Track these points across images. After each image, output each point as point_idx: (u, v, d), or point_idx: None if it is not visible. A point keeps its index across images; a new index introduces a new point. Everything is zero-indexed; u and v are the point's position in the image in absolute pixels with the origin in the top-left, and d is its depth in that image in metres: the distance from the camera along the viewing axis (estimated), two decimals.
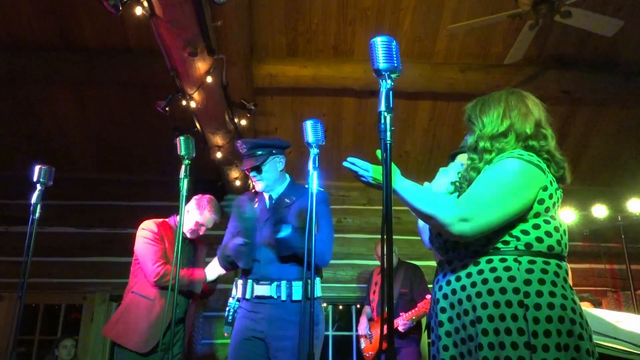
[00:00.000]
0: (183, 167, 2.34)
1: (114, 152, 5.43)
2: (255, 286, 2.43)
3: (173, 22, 2.71)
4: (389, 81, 1.37)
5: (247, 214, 2.59)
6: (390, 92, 1.37)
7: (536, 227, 1.48)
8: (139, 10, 2.65)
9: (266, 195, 2.64)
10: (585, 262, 5.48)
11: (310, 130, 2.08)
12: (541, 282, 1.42)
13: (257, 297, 2.43)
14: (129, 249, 3.22)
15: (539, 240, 1.47)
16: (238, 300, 2.53)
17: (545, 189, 1.51)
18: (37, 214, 2.60)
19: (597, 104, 5.16)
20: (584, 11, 3.58)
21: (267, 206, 2.60)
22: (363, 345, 4.42)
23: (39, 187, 2.64)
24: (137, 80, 4.58)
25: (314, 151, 2.07)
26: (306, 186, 2.21)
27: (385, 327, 1.23)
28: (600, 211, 5.27)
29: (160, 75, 3.55)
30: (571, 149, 5.44)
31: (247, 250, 2.46)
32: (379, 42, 1.38)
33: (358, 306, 5.43)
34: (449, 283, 1.54)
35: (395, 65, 1.37)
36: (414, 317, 4.06)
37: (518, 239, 1.47)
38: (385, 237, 1.25)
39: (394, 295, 4.13)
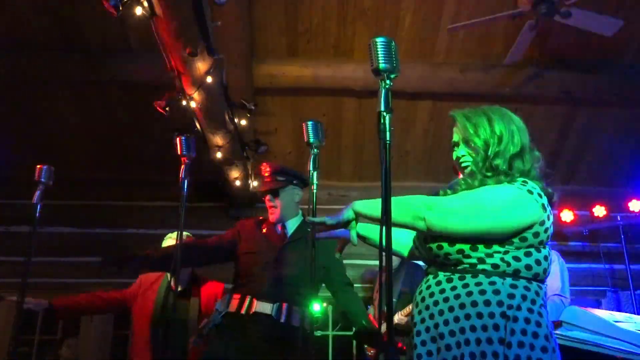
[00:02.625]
0: (183, 167, 2.34)
1: (114, 152, 5.43)
2: (256, 302, 2.42)
3: (173, 22, 2.71)
4: (387, 81, 1.37)
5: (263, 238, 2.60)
6: (389, 92, 1.37)
7: (528, 254, 1.49)
8: (139, 10, 2.65)
9: (278, 225, 2.66)
10: (585, 262, 5.48)
11: (311, 131, 2.08)
12: (523, 297, 1.44)
13: (256, 313, 2.40)
14: (129, 249, 3.23)
15: (528, 267, 1.48)
16: (226, 314, 2.45)
17: (542, 223, 1.50)
18: (38, 214, 2.61)
19: (597, 104, 5.16)
20: (584, 11, 3.58)
21: (279, 232, 2.63)
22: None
23: (39, 187, 2.64)
24: (137, 80, 4.58)
25: (314, 152, 2.07)
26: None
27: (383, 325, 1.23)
28: (600, 211, 5.27)
29: (160, 75, 3.55)
30: (571, 149, 5.44)
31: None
32: (378, 42, 1.38)
33: None
34: (432, 295, 1.53)
35: (394, 65, 1.37)
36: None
37: (509, 264, 1.47)
38: (385, 237, 1.26)
39: (394, 294, 4.14)
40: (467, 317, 1.43)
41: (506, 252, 1.48)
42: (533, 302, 1.45)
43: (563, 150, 5.42)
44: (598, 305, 5.51)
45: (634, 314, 4.55)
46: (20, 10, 4.24)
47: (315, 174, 2.05)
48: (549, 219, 1.52)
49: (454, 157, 1.68)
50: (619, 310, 5.34)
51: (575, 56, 4.71)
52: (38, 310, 3.01)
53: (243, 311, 2.41)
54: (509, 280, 1.46)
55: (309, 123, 2.09)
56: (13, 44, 4.42)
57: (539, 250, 1.50)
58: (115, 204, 5.54)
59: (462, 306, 1.45)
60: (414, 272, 4.46)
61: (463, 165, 1.64)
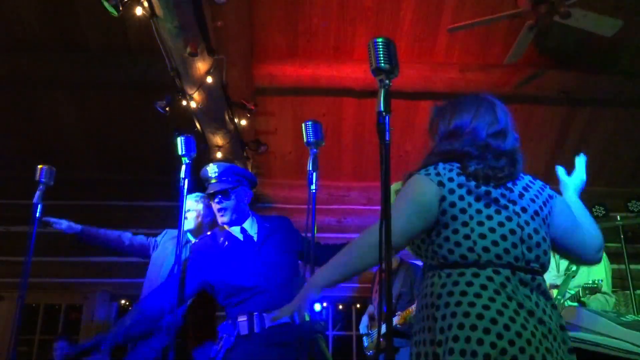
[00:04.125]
0: (183, 167, 2.33)
1: (114, 152, 5.43)
2: (267, 316, 2.28)
3: (173, 22, 2.71)
4: (387, 82, 1.37)
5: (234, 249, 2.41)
6: (389, 92, 1.37)
7: (446, 239, 1.45)
8: (139, 11, 2.65)
9: (234, 230, 2.46)
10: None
11: (310, 131, 2.07)
12: (450, 294, 1.39)
13: (271, 327, 2.28)
14: (129, 249, 3.23)
15: (450, 252, 1.43)
16: (238, 336, 2.32)
17: (442, 199, 1.46)
18: (38, 214, 2.61)
19: (597, 104, 5.16)
20: (583, 11, 3.58)
21: (241, 237, 2.44)
22: (366, 344, 4.44)
23: (39, 187, 2.64)
24: (137, 80, 4.58)
25: (314, 152, 2.07)
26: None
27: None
28: (600, 211, 5.27)
29: (160, 75, 3.55)
30: (571, 149, 5.43)
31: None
32: (377, 42, 1.38)
33: (358, 306, 5.43)
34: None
35: (394, 65, 1.37)
36: (410, 315, 4.06)
37: (436, 253, 1.46)
38: (384, 237, 1.25)
39: (393, 294, 4.13)
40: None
41: (431, 243, 1.48)
42: (463, 293, 1.37)
43: (563, 150, 5.43)
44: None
45: (634, 314, 4.56)
46: (20, 10, 4.25)
47: (315, 174, 2.05)
48: (452, 193, 1.46)
49: None
50: (619, 310, 5.34)
51: (575, 56, 4.72)
52: (69, 232, 3.07)
53: (257, 330, 2.29)
54: (443, 276, 1.43)
55: (309, 123, 2.08)
56: (13, 44, 4.42)
57: (456, 232, 1.43)
58: (115, 204, 5.54)
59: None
60: (413, 272, 4.47)
61: None
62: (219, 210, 2.42)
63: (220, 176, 2.45)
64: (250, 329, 2.29)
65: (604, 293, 2.91)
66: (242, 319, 2.30)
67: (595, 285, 2.74)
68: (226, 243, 2.42)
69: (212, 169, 2.45)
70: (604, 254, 3.02)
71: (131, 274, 3.47)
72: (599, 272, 2.95)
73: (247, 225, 2.47)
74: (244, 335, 2.30)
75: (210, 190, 2.42)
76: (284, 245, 2.45)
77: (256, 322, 2.29)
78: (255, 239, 2.44)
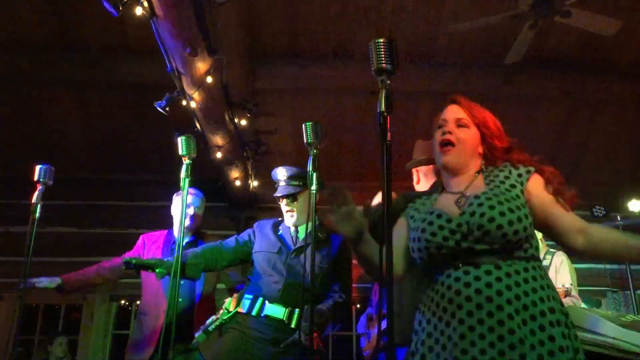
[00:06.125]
0: (184, 166, 2.33)
1: (114, 152, 5.43)
2: (268, 305, 2.43)
3: (173, 22, 2.71)
4: (388, 82, 1.37)
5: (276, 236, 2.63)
6: (390, 92, 1.37)
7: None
8: (139, 11, 2.65)
9: (292, 228, 2.64)
10: (585, 262, 5.48)
11: (310, 132, 2.07)
12: (548, 287, 1.50)
13: (267, 316, 2.41)
14: (129, 249, 3.21)
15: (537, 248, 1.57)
16: (236, 313, 2.48)
17: None
18: (38, 214, 2.61)
19: (597, 104, 5.16)
20: (584, 11, 3.58)
21: (292, 234, 2.62)
22: (363, 344, 4.44)
23: (39, 187, 2.64)
24: (137, 80, 4.58)
25: (313, 152, 2.07)
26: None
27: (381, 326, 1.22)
28: (600, 211, 5.26)
29: (160, 75, 3.55)
30: (571, 149, 5.43)
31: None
32: (378, 43, 1.38)
33: (358, 306, 5.42)
34: (489, 285, 1.40)
35: (395, 66, 1.37)
36: None
37: (537, 246, 1.56)
38: (385, 237, 1.25)
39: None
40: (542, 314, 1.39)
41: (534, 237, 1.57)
42: (549, 286, 1.50)
43: (563, 150, 5.42)
44: (598, 305, 5.51)
45: (634, 314, 4.56)
46: (20, 10, 4.24)
47: (315, 174, 2.05)
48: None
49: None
50: (619, 310, 5.34)
51: (575, 56, 4.72)
52: (52, 286, 3.01)
53: (254, 312, 2.43)
54: (528, 268, 1.50)
55: (309, 124, 2.09)
56: (13, 44, 4.42)
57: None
58: (115, 204, 5.53)
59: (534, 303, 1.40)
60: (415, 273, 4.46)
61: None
62: (287, 211, 2.63)
63: (288, 180, 2.65)
64: (249, 309, 2.44)
65: (572, 297, 2.91)
66: (248, 296, 2.50)
67: (565, 289, 2.78)
68: (280, 231, 2.65)
69: (281, 173, 2.68)
70: (567, 259, 3.03)
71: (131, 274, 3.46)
72: (565, 277, 2.95)
73: (302, 227, 2.63)
74: (241, 313, 2.46)
75: (279, 194, 2.64)
76: (327, 260, 2.54)
77: (257, 305, 2.43)
78: (298, 242, 2.60)
